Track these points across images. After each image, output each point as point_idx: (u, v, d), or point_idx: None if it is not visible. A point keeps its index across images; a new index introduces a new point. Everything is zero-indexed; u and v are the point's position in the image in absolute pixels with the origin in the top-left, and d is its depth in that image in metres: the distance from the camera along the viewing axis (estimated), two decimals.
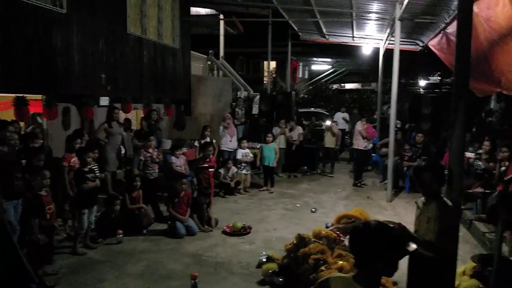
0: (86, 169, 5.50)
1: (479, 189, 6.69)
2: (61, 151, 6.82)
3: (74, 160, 5.92)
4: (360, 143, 10.01)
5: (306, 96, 22.00)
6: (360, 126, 10.10)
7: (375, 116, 14.60)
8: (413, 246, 2.06)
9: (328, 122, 11.95)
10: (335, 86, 27.76)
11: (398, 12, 8.05)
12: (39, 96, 7.09)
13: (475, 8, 5.39)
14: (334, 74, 29.14)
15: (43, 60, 6.44)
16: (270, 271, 4.57)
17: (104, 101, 7.94)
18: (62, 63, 6.80)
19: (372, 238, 1.74)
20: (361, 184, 9.80)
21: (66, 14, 6.77)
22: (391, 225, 2.08)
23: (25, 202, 4.79)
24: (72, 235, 5.65)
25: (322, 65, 29.12)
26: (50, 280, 4.56)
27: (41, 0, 6.30)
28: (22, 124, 6.86)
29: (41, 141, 6.33)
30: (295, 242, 4.66)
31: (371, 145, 10.30)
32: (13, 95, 6.21)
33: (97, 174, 5.72)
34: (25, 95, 6.23)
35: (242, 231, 6.32)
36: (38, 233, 4.61)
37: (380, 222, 1.84)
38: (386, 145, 9.36)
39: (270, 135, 9.54)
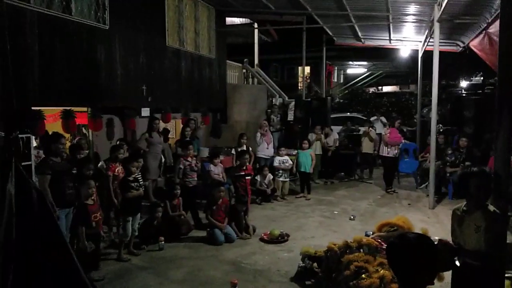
0: (131, 178, 5.72)
1: None
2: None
3: (118, 169, 6.17)
4: (384, 150, 9.62)
5: (342, 100, 21.74)
6: (384, 131, 9.87)
7: (414, 120, 14.21)
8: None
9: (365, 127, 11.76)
10: (371, 90, 27.28)
11: (437, 14, 7.85)
12: (84, 108, 7.46)
13: None
14: (371, 77, 28.65)
15: (88, 74, 6.77)
16: (306, 258, 4.76)
17: (145, 112, 8.23)
18: (106, 77, 7.12)
19: (411, 253, 1.67)
20: (392, 192, 9.50)
21: (109, 30, 7.10)
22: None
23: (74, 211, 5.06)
24: (117, 242, 5.88)
25: (357, 69, 28.73)
26: (96, 286, 4.76)
27: (85, 17, 6.65)
28: (68, 135, 7.23)
29: (87, 151, 6.66)
30: (340, 245, 4.64)
31: (396, 151, 9.54)
32: (60, 108, 6.57)
33: (141, 183, 5.93)
34: (72, 108, 6.58)
35: (280, 239, 6.33)
36: (84, 241, 4.85)
37: (419, 235, 1.79)
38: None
39: (306, 141, 9.52)
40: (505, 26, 3.57)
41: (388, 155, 9.55)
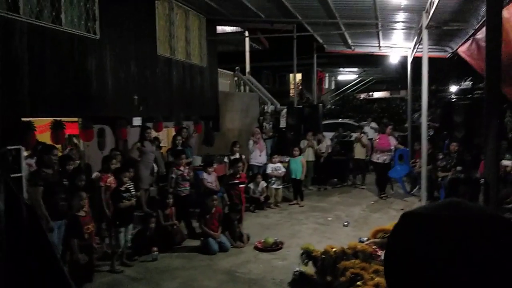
0: (123, 189, 5.68)
1: None
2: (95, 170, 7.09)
3: (110, 180, 6.12)
4: (374, 156, 9.70)
5: (333, 107, 21.87)
6: (374, 137, 9.96)
7: (406, 125, 14.33)
8: None
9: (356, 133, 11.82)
10: (362, 96, 27.47)
11: (425, 21, 7.95)
12: (75, 118, 7.41)
13: (505, 14, 5.28)
14: (361, 83, 28.87)
15: (79, 85, 6.73)
16: (304, 255, 4.78)
17: (137, 121, 8.20)
18: (97, 87, 7.09)
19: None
20: (385, 197, 9.54)
21: (99, 40, 7.08)
22: None
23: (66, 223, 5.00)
24: (110, 253, 5.81)
25: (348, 75, 28.95)
26: None
27: (75, 27, 6.63)
28: (58, 146, 7.17)
29: (78, 162, 6.59)
30: (336, 250, 4.66)
31: (385, 157, 9.52)
32: (50, 118, 6.52)
33: (133, 193, 5.89)
34: (62, 118, 6.53)
35: (274, 247, 6.32)
36: (78, 253, 4.79)
37: None
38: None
39: (296, 148, 9.53)
40: (492, 32, 3.64)
41: (378, 161, 9.63)
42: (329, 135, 11.95)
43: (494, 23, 3.61)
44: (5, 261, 1.78)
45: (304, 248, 4.99)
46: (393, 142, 9.88)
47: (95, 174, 6.63)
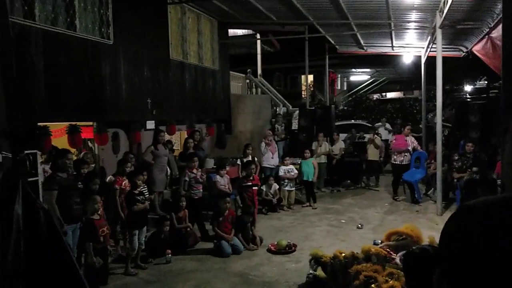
0: (136, 192, 5.74)
1: None
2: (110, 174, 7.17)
3: (125, 182, 6.19)
4: (392, 157, 9.52)
5: (346, 108, 21.73)
6: (390, 138, 9.78)
7: (420, 126, 14.16)
8: None
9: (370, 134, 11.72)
10: (375, 96, 27.25)
11: (439, 20, 7.86)
12: (90, 123, 7.52)
13: None
14: (374, 84, 28.65)
15: (93, 89, 6.84)
16: (313, 260, 4.86)
17: (150, 124, 8.28)
18: (111, 91, 7.19)
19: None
20: (396, 199, 9.38)
21: (113, 45, 7.18)
22: None
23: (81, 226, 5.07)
24: (124, 256, 5.87)
25: (361, 76, 28.77)
26: None
27: (89, 32, 6.74)
28: (73, 150, 7.28)
29: (93, 165, 6.69)
30: (346, 255, 4.62)
31: (402, 158, 9.22)
32: (66, 123, 6.62)
33: (146, 196, 5.94)
34: (77, 123, 6.63)
35: (287, 249, 6.29)
36: (92, 256, 4.85)
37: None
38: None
39: (307, 150, 9.49)
40: (508, 30, 3.57)
41: (395, 162, 9.44)
42: (342, 136, 11.87)
43: (510, 21, 3.54)
44: (23, 263, 1.83)
45: (313, 254, 4.98)
46: (411, 142, 9.51)
47: (109, 178, 6.71)
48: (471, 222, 0.78)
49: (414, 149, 9.51)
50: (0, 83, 1.83)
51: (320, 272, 4.88)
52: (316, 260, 4.87)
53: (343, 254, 4.56)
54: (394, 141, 9.56)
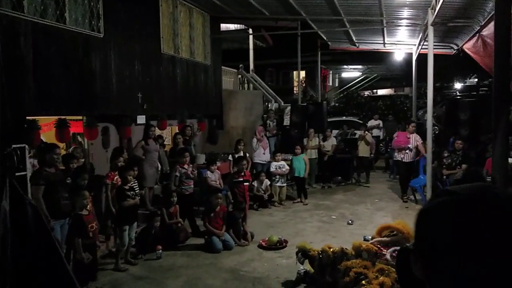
0: (127, 187, 5.69)
1: None
2: (102, 169, 7.10)
3: (117, 177, 6.13)
4: (397, 155, 9.30)
5: (337, 104, 21.79)
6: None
7: None
8: None
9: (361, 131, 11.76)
10: (366, 93, 27.35)
11: (431, 17, 7.89)
12: (79, 117, 7.42)
13: None
14: (365, 80, 28.76)
15: (83, 83, 6.74)
16: (300, 253, 4.85)
17: (141, 119, 8.20)
18: (101, 85, 7.10)
19: None
20: (406, 200, 9.11)
21: (104, 38, 7.08)
22: None
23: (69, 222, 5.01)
24: (114, 252, 5.82)
25: (352, 72, 28.86)
26: None
27: (80, 25, 6.63)
28: (62, 145, 7.18)
29: (82, 160, 6.60)
30: (335, 250, 4.62)
31: (403, 155, 9.01)
32: (55, 117, 6.53)
33: (137, 192, 5.90)
34: (66, 116, 6.54)
35: (278, 245, 6.30)
36: (81, 252, 4.80)
37: None
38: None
39: (298, 146, 9.48)
40: (500, 28, 3.60)
41: (397, 159, 9.30)
42: (333, 133, 11.88)
43: (502, 20, 3.57)
44: (11, 260, 1.79)
45: (300, 247, 4.97)
46: (414, 141, 9.06)
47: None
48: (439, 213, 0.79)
49: (417, 148, 9.07)
50: None
51: (307, 266, 4.90)
52: (304, 253, 4.87)
53: (332, 249, 4.57)
54: (396, 137, 9.45)
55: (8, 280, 1.53)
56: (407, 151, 9.08)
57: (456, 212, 0.76)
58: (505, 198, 0.76)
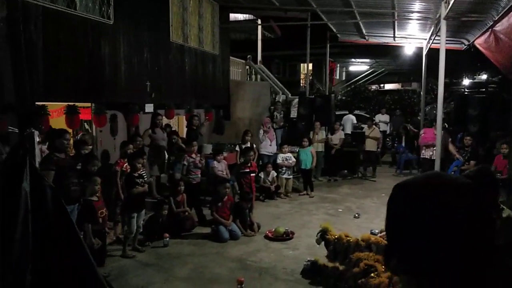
0: (136, 174, 5.70)
1: None
2: (110, 156, 7.12)
3: (127, 165, 6.15)
4: (425, 152, 9.08)
5: (344, 98, 21.66)
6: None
7: (418, 118, 14.15)
8: None
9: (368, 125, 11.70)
10: (373, 87, 27.17)
11: (444, 11, 7.78)
12: (88, 104, 7.42)
13: None
14: (372, 75, 28.55)
15: (92, 70, 6.73)
16: (320, 234, 5.06)
17: (149, 107, 8.20)
18: (110, 73, 7.08)
19: None
20: None
21: (113, 25, 7.05)
22: None
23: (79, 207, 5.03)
24: (122, 238, 5.85)
25: (360, 66, 28.63)
26: (110, 283, 4.73)
27: (90, 12, 6.60)
28: (69, 131, 7.19)
29: (90, 147, 6.62)
30: (350, 240, 4.70)
31: (431, 152, 8.75)
32: (64, 103, 6.53)
33: (146, 179, 5.91)
34: (76, 103, 6.54)
35: (284, 236, 6.31)
36: (91, 237, 4.82)
37: None
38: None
39: (305, 139, 9.45)
40: None
41: (424, 156, 9.11)
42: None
43: None
44: (32, 239, 1.80)
45: (324, 227, 5.04)
46: (443, 138, 8.47)
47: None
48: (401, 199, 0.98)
49: (445, 146, 8.68)
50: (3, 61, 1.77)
51: (318, 258, 4.91)
52: (323, 235, 4.97)
53: (348, 238, 4.62)
54: (423, 134, 9.20)
55: (30, 259, 1.53)
56: (435, 148, 8.55)
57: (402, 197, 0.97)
58: (452, 185, 0.93)
